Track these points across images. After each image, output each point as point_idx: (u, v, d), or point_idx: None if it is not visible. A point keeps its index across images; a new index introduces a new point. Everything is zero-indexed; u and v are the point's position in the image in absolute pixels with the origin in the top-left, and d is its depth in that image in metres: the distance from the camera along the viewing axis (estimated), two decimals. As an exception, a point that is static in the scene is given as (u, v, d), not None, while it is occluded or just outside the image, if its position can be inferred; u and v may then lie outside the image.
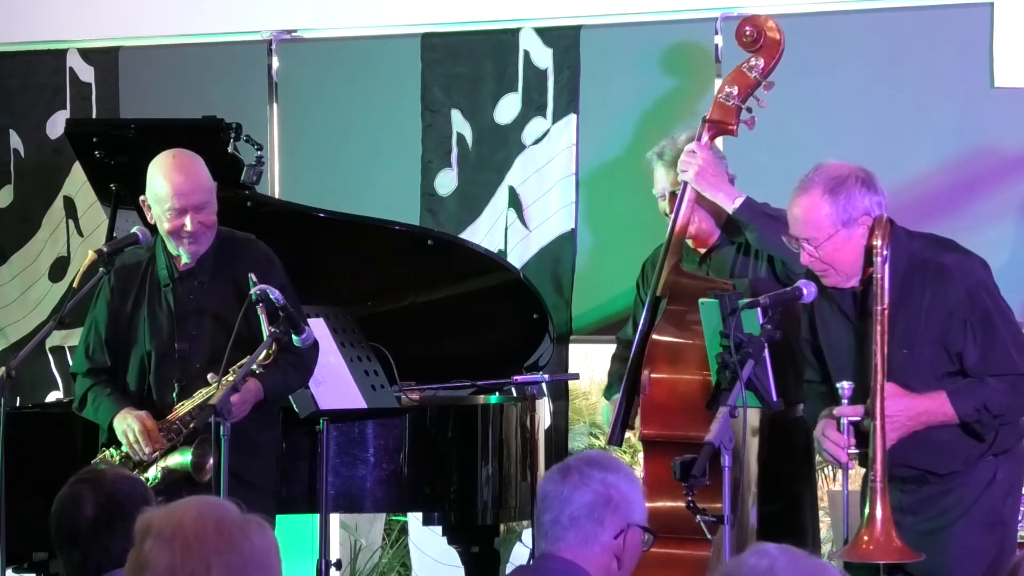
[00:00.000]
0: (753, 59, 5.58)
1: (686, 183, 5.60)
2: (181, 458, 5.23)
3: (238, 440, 4.97)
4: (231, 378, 5.09)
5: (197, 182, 5.35)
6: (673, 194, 5.69)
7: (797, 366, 5.22)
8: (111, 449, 5.33)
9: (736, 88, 5.58)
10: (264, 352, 5.08)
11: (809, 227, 4.81)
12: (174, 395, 5.35)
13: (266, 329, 5.10)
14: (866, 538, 4.64)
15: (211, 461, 5.12)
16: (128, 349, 5.46)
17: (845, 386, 4.75)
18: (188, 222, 5.32)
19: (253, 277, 5.13)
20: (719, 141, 5.70)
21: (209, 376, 5.28)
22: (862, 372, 4.77)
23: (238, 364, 5.18)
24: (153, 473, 5.23)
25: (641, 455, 5.55)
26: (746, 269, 5.66)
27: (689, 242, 5.75)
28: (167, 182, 5.33)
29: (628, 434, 5.73)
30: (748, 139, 5.76)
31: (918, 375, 4.77)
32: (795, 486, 5.74)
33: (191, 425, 5.22)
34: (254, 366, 5.09)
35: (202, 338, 5.38)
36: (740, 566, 2.72)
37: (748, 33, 5.58)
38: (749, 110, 5.60)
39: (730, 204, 5.56)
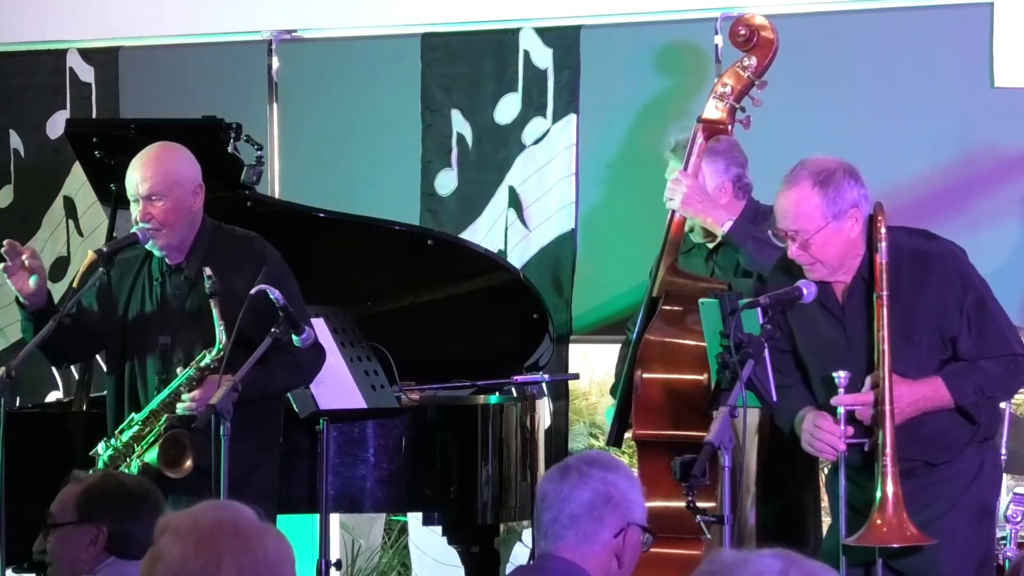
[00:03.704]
0: (747, 58, 5.59)
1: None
2: (154, 453, 5.22)
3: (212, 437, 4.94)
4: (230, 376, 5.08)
5: (151, 172, 5.32)
6: None
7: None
8: (102, 443, 5.31)
9: (730, 88, 5.58)
10: (263, 351, 5.07)
11: (800, 219, 4.78)
12: (155, 389, 5.32)
13: (219, 324, 5.09)
14: (879, 521, 4.63)
15: (189, 459, 5.13)
16: (117, 341, 5.45)
17: (841, 375, 4.72)
18: (140, 212, 5.32)
19: (208, 271, 5.11)
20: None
21: (178, 369, 5.27)
22: (853, 367, 4.76)
23: (199, 358, 5.19)
24: (133, 467, 5.21)
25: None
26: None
27: (699, 233, 5.74)
28: (129, 170, 5.37)
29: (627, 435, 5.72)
30: (748, 139, 5.76)
31: (916, 364, 4.77)
32: (796, 488, 5.73)
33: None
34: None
35: (184, 333, 5.36)
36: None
37: (742, 33, 5.59)
38: (743, 110, 5.60)
39: (719, 228, 5.57)
